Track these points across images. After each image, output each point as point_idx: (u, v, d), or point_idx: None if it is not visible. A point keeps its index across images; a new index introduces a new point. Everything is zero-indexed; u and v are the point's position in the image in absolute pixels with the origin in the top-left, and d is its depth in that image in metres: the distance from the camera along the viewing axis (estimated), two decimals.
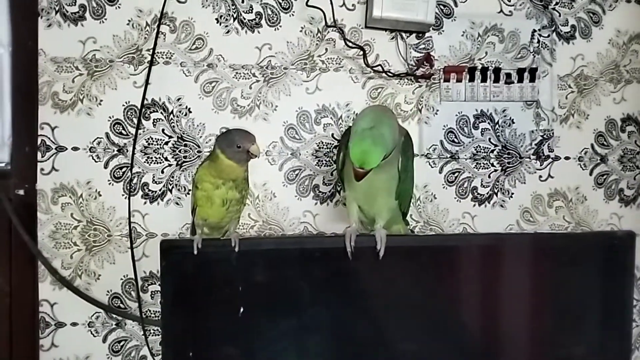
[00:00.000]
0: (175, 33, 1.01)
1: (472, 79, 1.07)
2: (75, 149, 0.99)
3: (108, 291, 1.00)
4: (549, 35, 1.10)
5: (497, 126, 1.09)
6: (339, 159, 0.88)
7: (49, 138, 0.98)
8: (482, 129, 1.09)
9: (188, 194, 1.01)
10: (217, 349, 0.84)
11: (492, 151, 1.09)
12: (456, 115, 1.08)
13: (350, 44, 1.02)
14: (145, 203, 1.01)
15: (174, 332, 0.82)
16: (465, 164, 1.09)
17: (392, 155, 0.78)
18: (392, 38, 1.06)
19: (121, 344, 1.02)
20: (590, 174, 1.13)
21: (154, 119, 1.01)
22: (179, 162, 1.01)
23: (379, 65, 1.04)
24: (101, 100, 0.99)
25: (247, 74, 1.03)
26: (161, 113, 1.01)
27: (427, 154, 1.07)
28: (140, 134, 1.00)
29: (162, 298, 0.82)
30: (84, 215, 0.99)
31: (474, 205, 1.09)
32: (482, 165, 1.09)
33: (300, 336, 0.84)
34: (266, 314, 0.84)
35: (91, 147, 0.99)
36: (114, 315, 1.01)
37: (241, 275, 0.82)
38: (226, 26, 1.02)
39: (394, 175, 0.82)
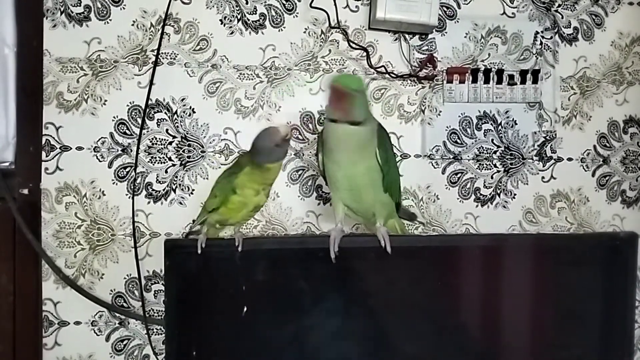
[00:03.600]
0: (180, 34, 1.01)
1: (475, 81, 1.07)
2: (79, 148, 0.99)
3: (111, 290, 1.01)
4: (551, 37, 1.11)
5: (499, 127, 1.10)
6: (318, 161, 0.86)
7: (54, 138, 0.99)
8: (484, 130, 1.09)
9: (192, 193, 1.01)
10: (220, 349, 0.84)
11: (495, 152, 1.10)
12: (459, 116, 1.08)
13: (353, 45, 1.02)
14: (149, 202, 1.01)
15: (178, 331, 0.82)
16: (468, 165, 1.09)
17: (367, 141, 0.78)
18: (396, 39, 1.06)
19: (124, 343, 1.02)
20: (593, 175, 1.13)
21: (158, 119, 1.01)
22: (183, 162, 1.02)
23: (382, 66, 1.05)
24: (105, 101, 1.00)
25: (251, 74, 1.03)
26: (165, 113, 1.01)
27: (430, 154, 1.08)
28: (144, 134, 1.00)
29: (166, 297, 0.83)
30: (87, 215, 1.00)
31: (477, 206, 1.09)
32: (484, 166, 1.09)
33: (303, 335, 0.85)
34: (269, 314, 0.84)
35: (95, 147, 1.00)
36: (117, 314, 1.01)
37: (244, 275, 0.83)
38: (230, 27, 1.03)
39: (374, 167, 0.80)
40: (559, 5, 1.11)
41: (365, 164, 0.80)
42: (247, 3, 1.03)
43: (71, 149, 0.99)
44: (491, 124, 1.09)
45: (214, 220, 0.83)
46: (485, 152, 1.09)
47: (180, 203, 1.02)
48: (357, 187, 0.82)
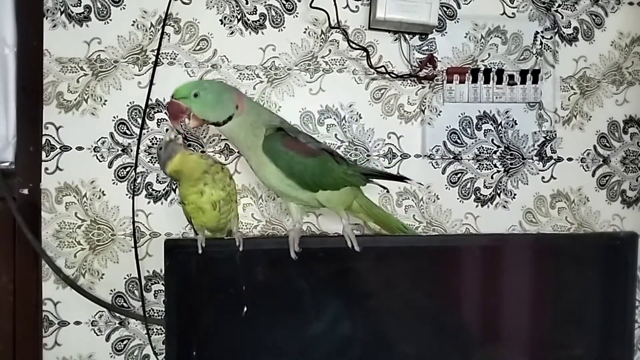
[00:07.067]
0: (180, 34, 1.01)
1: (475, 81, 1.07)
2: (79, 148, 0.99)
3: (111, 290, 1.01)
4: (551, 37, 1.10)
5: (499, 127, 1.09)
6: None
7: (54, 138, 0.99)
8: (485, 130, 1.09)
9: None
10: (220, 348, 0.84)
11: (495, 152, 1.10)
12: (459, 116, 1.08)
13: (353, 45, 1.02)
14: (149, 202, 1.01)
15: (178, 331, 0.83)
16: (468, 165, 1.09)
17: (246, 140, 0.78)
18: (396, 39, 1.06)
19: (124, 343, 1.02)
20: (593, 175, 1.13)
21: (158, 119, 1.01)
22: None
23: (382, 66, 1.05)
24: (105, 100, 1.00)
25: (251, 74, 1.03)
26: (165, 113, 1.01)
27: (430, 154, 1.08)
28: (144, 134, 1.00)
29: (166, 297, 0.83)
30: (87, 215, 1.00)
31: (477, 206, 1.09)
32: (484, 166, 1.09)
33: (303, 335, 0.85)
34: (269, 313, 0.84)
35: (95, 147, 1.00)
36: (117, 314, 1.01)
37: (244, 275, 0.83)
38: (230, 27, 1.03)
39: (279, 177, 0.79)
40: (559, 5, 1.11)
41: (269, 172, 0.79)
42: (247, 3, 1.03)
43: (71, 149, 0.99)
44: (491, 124, 1.09)
45: (198, 228, 0.84)
46: (485, 152, 1.09)
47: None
48: (281, 193, 0.82)
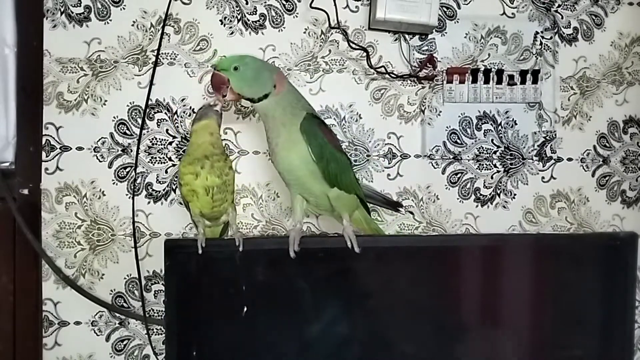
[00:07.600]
0: (180, 34, 1.01)
1: (474, 81, 1.07)
2: (79, 148, 0.99)
3: (111, 290, 1.01)
4: (551, 37, 1.11)
5: (499, 127, 1.10)
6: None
7: (54, 138, 0.99)
8: (484, 130, 1.09)
9: None
10: (220, 348, 0.84)
11: (495, 152, 1.10)
12: (459, 116, 1.08)
13: (353, 46, 1.02)
14: (149, 203, 1.01)
15: (178, 331, 0.83)
16: (468, 165, 1.09)
17: (282, 118, 0.79)
18: (395, 40, 1.07)
19: (124, 343, 1.02)
20: (593, 175, 1.13)
21: (158, 119, 1.01)
22: None
23: (382, 66, 1.05)
24: (105, 101, 1.00)
25: None
26: (165, 113, 1.01)
27: (430, 154, 1.08)
28: (144, 134, 1.00)
29: (166, 297, 0.83)
30: (87, 215, 1.00)
31: (477, 206, 1.09)
32: (484, 166, 1.09)
33: (303, 335, 0.85)
34: (269, 314, 0.84)
35: (95, 147, 1.00)
36: (118, 315, 1.01)
37: (244, 275, 0.83)
38: (230, 27, 1.03)
39: (306, 160, 0.79)
40: (559, 6, 1.11)
41: (297, 153, 0.79)
42: (247, 3, 1.03)
43: (71, 149, 0.99)
44: (491, 124, 1.09)
45: (196, 218, 0.84)
46: (485, 152, 1.09)
47: (180, 203, 1.01)
48: (298, 179, 0.82)
